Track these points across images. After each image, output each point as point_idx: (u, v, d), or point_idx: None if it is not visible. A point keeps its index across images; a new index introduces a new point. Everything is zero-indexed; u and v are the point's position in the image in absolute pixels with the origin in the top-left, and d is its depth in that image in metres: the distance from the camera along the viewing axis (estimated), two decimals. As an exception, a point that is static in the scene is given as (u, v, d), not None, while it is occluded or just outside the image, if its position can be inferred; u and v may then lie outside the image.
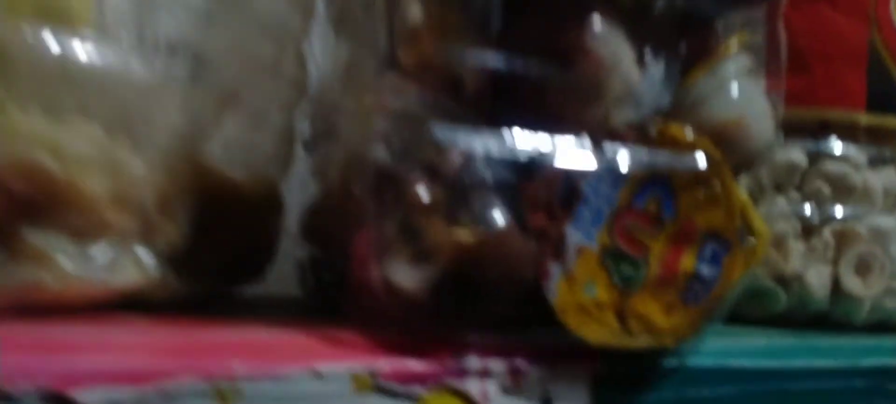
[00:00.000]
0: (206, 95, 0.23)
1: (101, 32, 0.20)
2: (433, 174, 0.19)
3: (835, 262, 0.28)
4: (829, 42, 0.28)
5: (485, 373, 0.20)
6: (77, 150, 0.20)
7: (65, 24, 0.20)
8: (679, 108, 0.21)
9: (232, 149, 0.24)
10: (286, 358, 0.18)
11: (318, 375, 0.18)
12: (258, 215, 0.27)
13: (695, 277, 0.20)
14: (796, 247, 0.28)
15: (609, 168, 0.20)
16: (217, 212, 0.24)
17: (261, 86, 0.25)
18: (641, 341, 0.20)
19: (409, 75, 0.21)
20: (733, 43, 0.21)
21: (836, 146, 0.28)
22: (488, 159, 0.20)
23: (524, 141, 0.20)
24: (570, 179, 0.20)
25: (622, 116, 0.20)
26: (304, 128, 0.29)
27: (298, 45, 0.27)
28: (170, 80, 0.21)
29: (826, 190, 0.28)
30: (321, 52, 0.29)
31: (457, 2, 0.20)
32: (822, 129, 0.28)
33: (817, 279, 0.27)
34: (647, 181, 0.20)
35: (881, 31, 0.28)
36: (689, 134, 0.20)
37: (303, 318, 0.23)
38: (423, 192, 0.19)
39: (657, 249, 0.20)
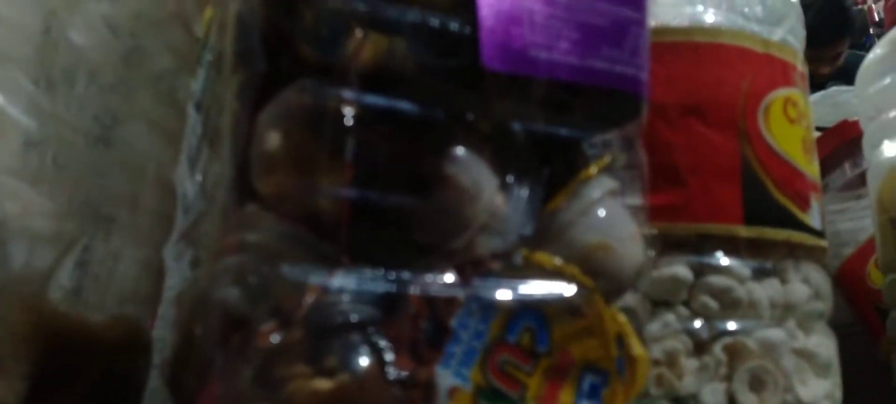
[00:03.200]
0: (51, 230, 0.21)
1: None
2: (285, 317, 0.18)
3: (728, 379, 0.27)
4: (704, 157, 0.29)
5: None
6: None
7: None
8: (544, 235, 0.20)
9: (85, 288, 0.22)
10: None
11: None
12: (116, 358, 0.24)
13: (574, 413, 0.19)
14: (689, 364, 0.27)
15: (477, 300, 0.19)
16: (64, 360, 0.22)
17: (119, 220, 0.23)
18: (523, 487, 0.19)
19: (267, 206, 0.20)
20: (594, 167, 0.21)
21: (719, 259, 0.28)
22: (348, 297, 0.18)
23: (385, 276, 0.19)
24: (437, 315, 0.19)
25: (487, 245, 0.19)
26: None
27: (164, 176, 0.25)
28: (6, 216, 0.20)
29: (713, 304, 0.28)
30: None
31: (315, 131, 0.20)
32: (704, 243, 0.29)
33: (712, 397, 0.27)
34: (518, 312, 0.19)
35: (752, 146, 0.29)
36: (556, 261, 0.20)
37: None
38: (274, 338, 0.18)
39: (534, 386, 0.19)
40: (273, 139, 0.20)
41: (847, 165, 0.65)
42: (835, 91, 0.77)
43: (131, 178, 0.24)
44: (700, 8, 0.32)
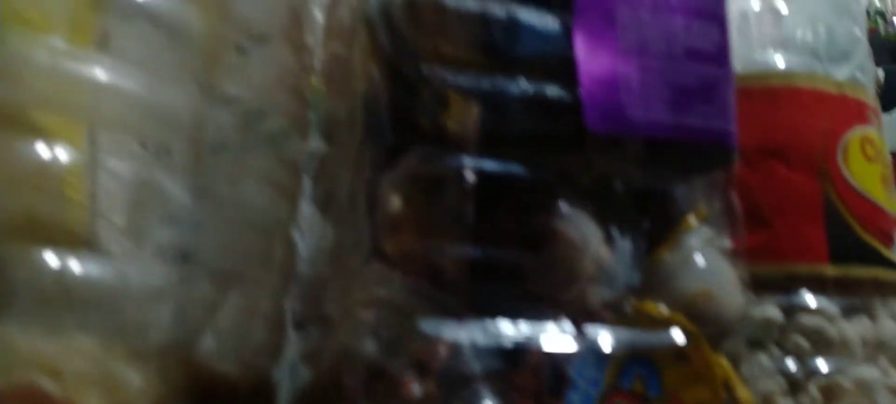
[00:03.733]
0: (198, 295, 0.23)
1: (95, 245, 0.21)
2: (423, 368, 0.20)
3: (825, 418, 0.28)
4: (786, 198, 0.30)
5: None
6: (76, 369, 0.20)
7: (60, 240, 0.21)
8: (650, 284, 0.21)
9: (225, 343, 0.24)
10: None
11: None
12: (249, 405, 0.26)
13: (687, 454, 0.20)
14: None
15: (592, 349, 0.21)
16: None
17: (251, 277, 0.25)
18: None
19: (393, 264, 0.22)
20: (693, 218, 0.22)
21: (808, 299, 0.29)
22: (475, 349, 0.20)
23: (508, 328, 0.20)
24: (556, 365, 0.20)
25: (598, 295, 0.21)
26: (293, 308, 0.29)
27: (287, 232, 0.28)
28: (164, 284, 0.22)
29: (805, 344, 0.28)
30: (308, 228, 0.30)
31: (435, 194, 0.22)
32: (791, 283, 0.29)
33: (811, 436, 0.27)
34: (630, 360, 0.21)
35: (834, 186, 0.30)
36: (663, 310, 0.21)
37: None
38: (415, 389, 0.19)
39: (647, 429, 0.20)
40: (396, 202, 0.22)
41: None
42: (900, 115, 0.75)
43: (257, 236, 0.26)
44: (771, 53, 0.33)
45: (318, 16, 0.31)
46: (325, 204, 0.28)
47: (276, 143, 0.29)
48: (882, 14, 1.38)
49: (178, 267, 0.23)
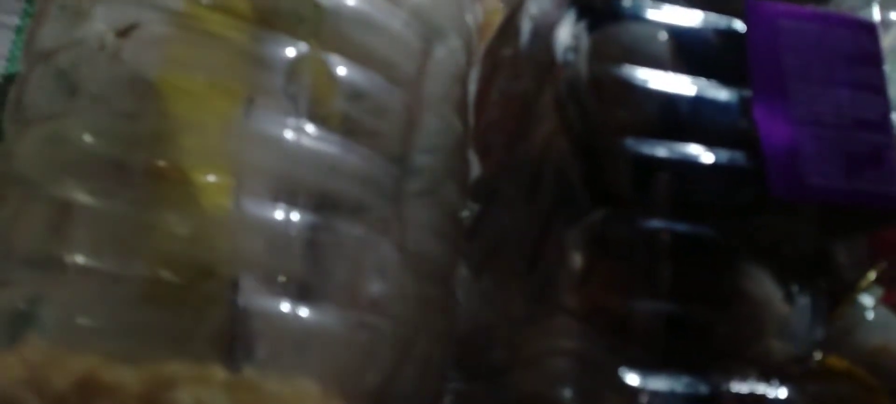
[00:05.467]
0: (398, 344, 0.25)
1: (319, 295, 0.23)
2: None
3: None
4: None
5: None
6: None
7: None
8: (831, 340, 0.23)
9: (411, 389, 0.26)
10: None
11: None
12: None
13: None
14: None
15: (781, 402, 0.22)
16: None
17: (430, 329, 0.27)
18: None
19: (578, 318, 0.24)
20: (871, 274, 0.24)
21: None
22: (674, 400, 0.22)
23: (705, 381, 0.22)
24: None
25: (783, 351, 0.22)
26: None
27: (452, 281, 0.30)
28: (370, 335, 0.24)
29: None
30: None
31: (626, 253, 0.23)
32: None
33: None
34: (816, 412, 0.22)
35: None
36: (845, 364, 0.22)
37: None
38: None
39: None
40: (584, 260, 0.24)
41: None
42: None
43: (438, 287, 0.28)
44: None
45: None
46: (481, 261, 0.30)
47: (435, 192, 0.31)
48: None
49: (387, 317, 0.25)
